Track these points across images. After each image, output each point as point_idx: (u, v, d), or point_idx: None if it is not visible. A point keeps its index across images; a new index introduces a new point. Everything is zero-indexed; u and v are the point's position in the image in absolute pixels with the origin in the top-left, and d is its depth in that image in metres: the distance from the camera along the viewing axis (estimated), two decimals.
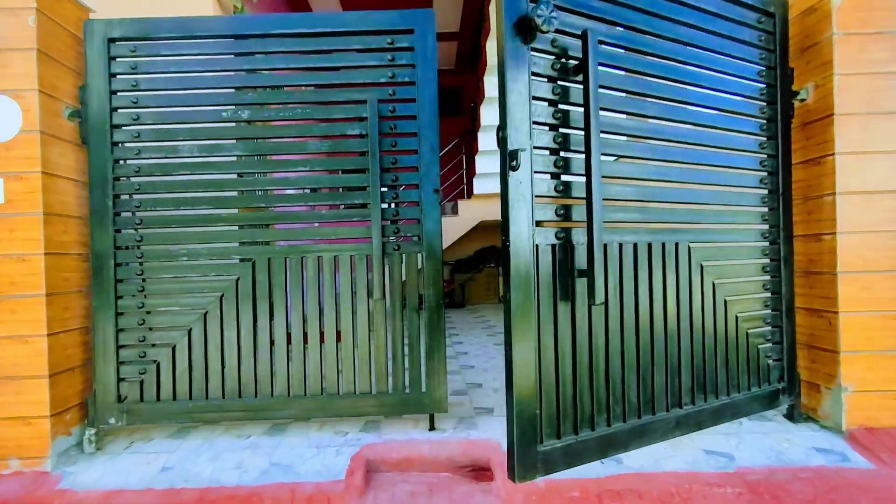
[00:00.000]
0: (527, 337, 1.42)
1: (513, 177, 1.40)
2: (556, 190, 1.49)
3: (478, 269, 7.78)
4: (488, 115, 6.19)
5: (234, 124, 1.99)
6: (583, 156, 1.52)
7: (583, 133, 1.50)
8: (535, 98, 1.46)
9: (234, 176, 2.03)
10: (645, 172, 1.68)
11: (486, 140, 6.36)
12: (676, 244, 1.74)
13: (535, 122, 1.45)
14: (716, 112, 1.84)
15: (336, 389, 2.01)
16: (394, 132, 2.02)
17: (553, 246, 1.49)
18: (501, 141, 1.42)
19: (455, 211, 6.55)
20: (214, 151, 1.98)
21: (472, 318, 5.91)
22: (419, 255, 2.03)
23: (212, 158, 1.99)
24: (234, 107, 1.98)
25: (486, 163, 6.48)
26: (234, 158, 2.01)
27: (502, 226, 1.43)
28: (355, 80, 2.02)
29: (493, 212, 6.73)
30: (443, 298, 1.99)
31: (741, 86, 1.89)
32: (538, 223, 1.45)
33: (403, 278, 2.04)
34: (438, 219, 2.01)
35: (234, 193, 2.01)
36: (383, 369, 2.03)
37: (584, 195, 1.48)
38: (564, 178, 1.53)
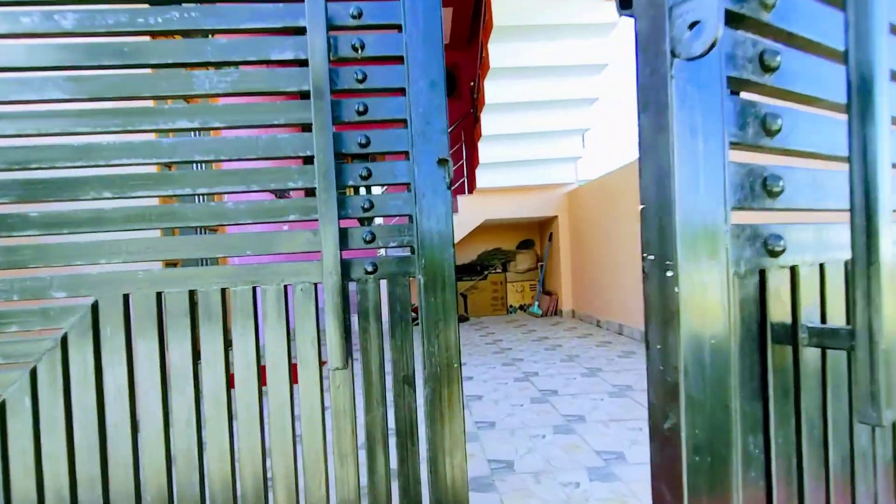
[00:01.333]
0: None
1: (682, 83, 0.49)
2: (765, 129, 0.59)
3: (482, 275, 6.78)
4: (494, 90, 5.20)
5: (50, 42, 1.04)
6: (794, 51, 0.64)
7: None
8: None
9: (59, 140, 1.07)
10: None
11: (491, 123, 5.39)
12: None
13: None
14: None
15: None
16: (360, 56, 1.10)
17: (762, 272, 0.59)
18: None
19: (454, 208, 5.61)
20: (10, 94, 1.03)
21: (478, 335, 4.98)
22: (413, 282, 1.12)
23: (5, 107, 1.03)
24: (48, 6, 1.03)
25: (491, 150, 5.50)
26: (53, 105, 1.06)
27: (643, 227, 0.53)
28: None
29: (499, 209, 5.89)
30: (459, 359, 1.09)
31: None
32: (734, 210, 0.55)
33: (385, 327, 1.12)
34: (448, 214, 1.10)
35: (57, 173, 1.06)
36: (352, 492, 1.11)
37: (827, 149, 0.60)
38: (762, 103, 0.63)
